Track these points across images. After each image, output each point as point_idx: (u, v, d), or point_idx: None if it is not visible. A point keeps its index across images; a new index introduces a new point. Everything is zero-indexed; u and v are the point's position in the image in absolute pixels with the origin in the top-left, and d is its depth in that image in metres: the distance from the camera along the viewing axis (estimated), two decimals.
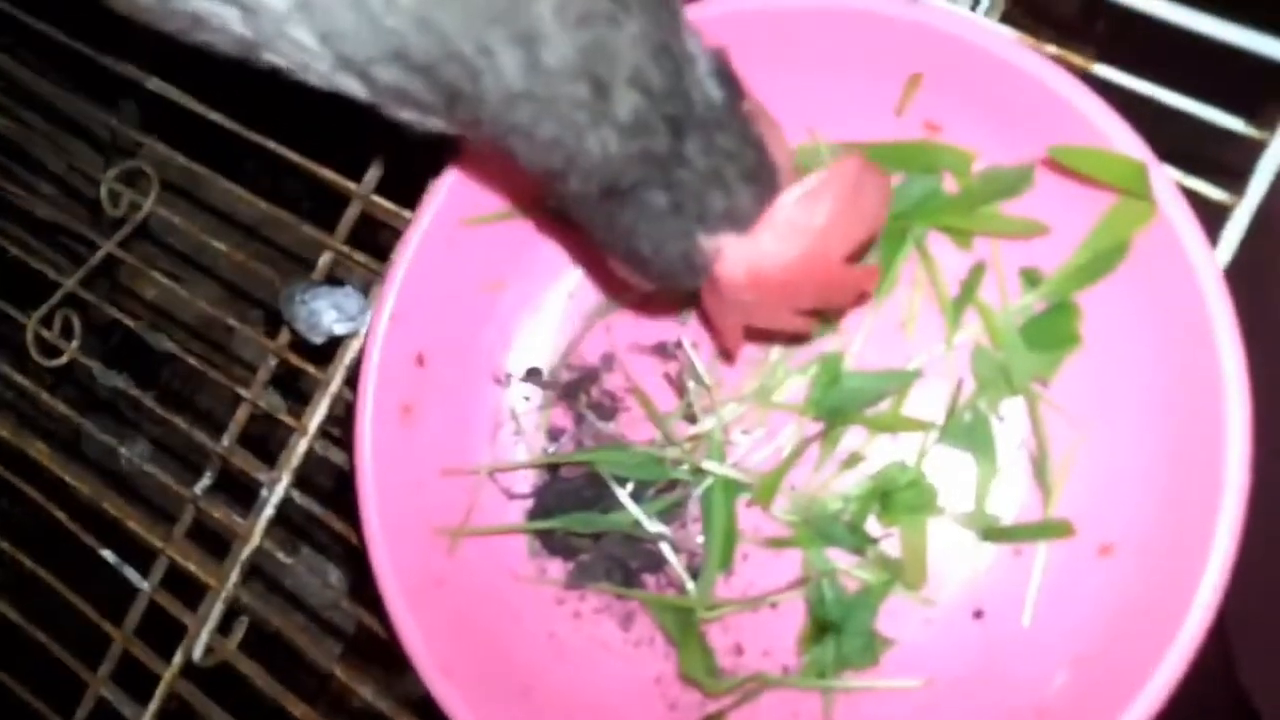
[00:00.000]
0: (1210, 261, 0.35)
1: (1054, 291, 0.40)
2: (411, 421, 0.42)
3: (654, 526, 0.42)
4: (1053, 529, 0.39)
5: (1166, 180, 0.36)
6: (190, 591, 0.51)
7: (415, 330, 0.42)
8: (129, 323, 0.51)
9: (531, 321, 0.46)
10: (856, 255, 0.35)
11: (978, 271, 0.41)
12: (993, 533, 0.40)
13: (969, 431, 0.41)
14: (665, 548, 0.42)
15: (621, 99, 0.29)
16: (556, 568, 0.44)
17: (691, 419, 0.43)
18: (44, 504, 0.52)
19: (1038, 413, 0.40)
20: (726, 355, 0.43)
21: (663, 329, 0.45)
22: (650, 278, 0.35)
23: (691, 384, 0.43)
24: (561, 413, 0.45)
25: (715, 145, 0.31)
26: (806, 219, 0.33)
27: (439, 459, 0.43)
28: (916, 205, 0.41)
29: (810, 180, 0.33)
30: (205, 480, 0.51)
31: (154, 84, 0.50)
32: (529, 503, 0.44)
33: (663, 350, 0.44)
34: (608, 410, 0.44)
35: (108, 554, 0.52)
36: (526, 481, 0.45)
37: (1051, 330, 0.40)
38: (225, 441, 0.51)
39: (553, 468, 0.45)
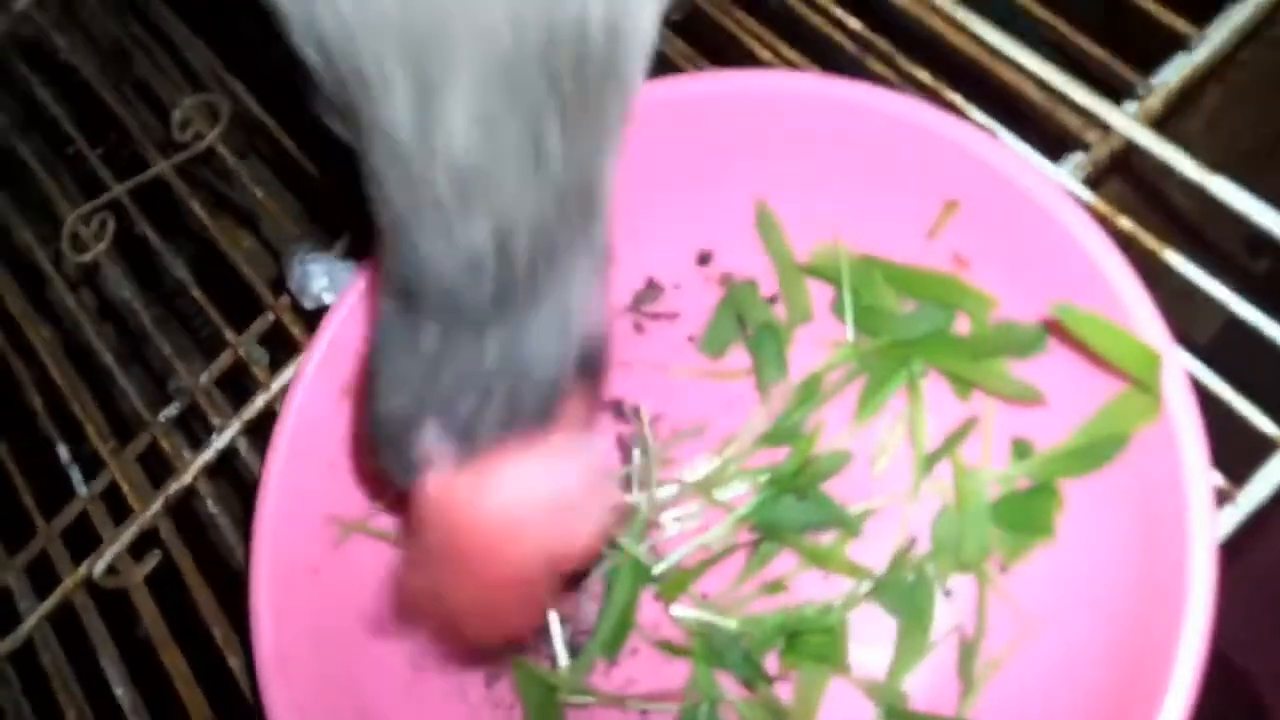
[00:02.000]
0: (1203, 486, 0.30)
1: (1040, 472, 0.35)
2: (348, 404, 0.41)
3: None
4: None
5: (1181, 381, 0.31)
6: (125, 514, 0.50)
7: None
8: (155, 242, 0.52)
9: None
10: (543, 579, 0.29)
11: (966, 428, 0.37)
12: (897, 715, 0.35)
13: (907, 595, 0.36)
14: (552, 616, 0.39)
15: (481, 223, 0.26)
16: None
17: (627, 489, 0.40)
18: (24, 382, 0.53)
19: (984, 597, 0.35)
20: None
21: (626, 388, 0.42)
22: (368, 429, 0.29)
23: (637, 452, 0.40)
24: None
25: (513, 359, 0.27)
26: (538, 486, 0.28)
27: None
28: (922, 339, 0.38)
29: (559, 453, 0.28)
30: (171, 410, 0.51)
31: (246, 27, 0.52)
32: None
33: (619, 410, 0.42)
34: None
35: (62, 450, 0.52)
36: None
37: (1027, 513, 0.36)
38: (203, 379, 0.51)
39: None
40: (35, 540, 0.52)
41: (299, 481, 0.39)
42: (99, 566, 0.48)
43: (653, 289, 0.43)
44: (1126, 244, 0.38)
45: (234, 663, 0.44)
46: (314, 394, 0.40)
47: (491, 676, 0.40)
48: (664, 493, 0.40)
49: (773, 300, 0.41)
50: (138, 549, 0.49)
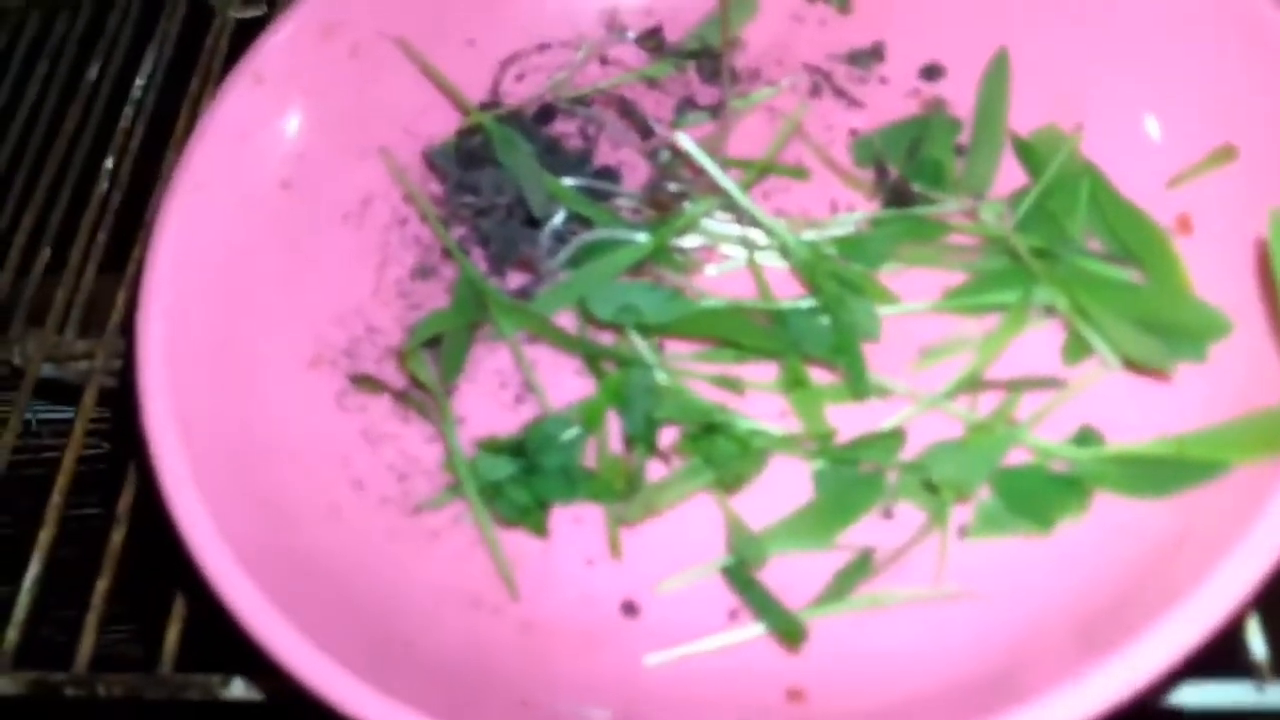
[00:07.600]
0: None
1: (1084, 466, 0.27)
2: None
3: (555, 219, 0.34)
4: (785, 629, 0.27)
5: None
6: None
7: None
8: None
9: None
10: None
11: (1043, 381, 0.29)
12: (738, 571, 0.29)
13: (844, 483, 0.29)
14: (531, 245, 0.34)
15: None
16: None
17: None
18: None
19: (917, 540, 0.28)
20: None
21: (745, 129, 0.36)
22: None
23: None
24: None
25: None
26: None
27: None
28: (1074, 277, 0.30)
29: None
30: None
31: None
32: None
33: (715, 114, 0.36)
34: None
35: None
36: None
37: (1035, 498, 0.28)
38: None
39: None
40: None
41: None
42: None
43: (870, 55, 0.37)
44: None
45: None
46: None
47: (420, 270, 0.36)
48: (716, 224, 0.34)
49: (959, 152, 0.34)
50: None
